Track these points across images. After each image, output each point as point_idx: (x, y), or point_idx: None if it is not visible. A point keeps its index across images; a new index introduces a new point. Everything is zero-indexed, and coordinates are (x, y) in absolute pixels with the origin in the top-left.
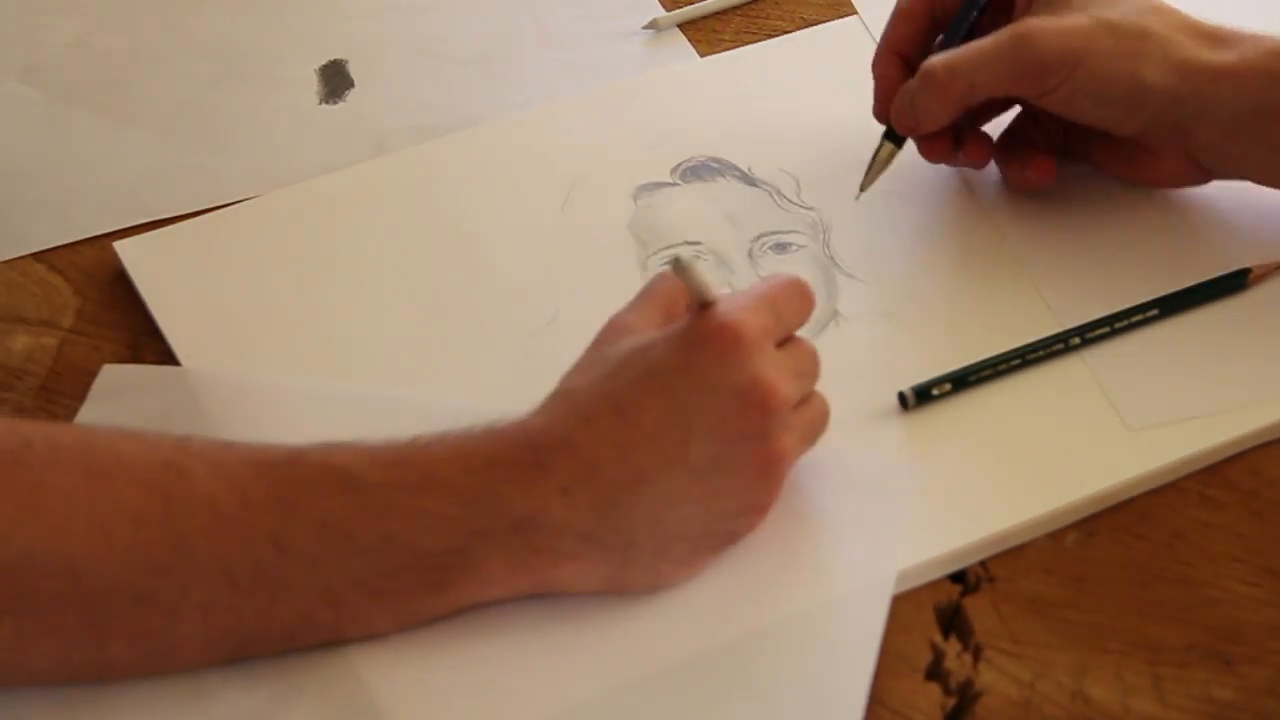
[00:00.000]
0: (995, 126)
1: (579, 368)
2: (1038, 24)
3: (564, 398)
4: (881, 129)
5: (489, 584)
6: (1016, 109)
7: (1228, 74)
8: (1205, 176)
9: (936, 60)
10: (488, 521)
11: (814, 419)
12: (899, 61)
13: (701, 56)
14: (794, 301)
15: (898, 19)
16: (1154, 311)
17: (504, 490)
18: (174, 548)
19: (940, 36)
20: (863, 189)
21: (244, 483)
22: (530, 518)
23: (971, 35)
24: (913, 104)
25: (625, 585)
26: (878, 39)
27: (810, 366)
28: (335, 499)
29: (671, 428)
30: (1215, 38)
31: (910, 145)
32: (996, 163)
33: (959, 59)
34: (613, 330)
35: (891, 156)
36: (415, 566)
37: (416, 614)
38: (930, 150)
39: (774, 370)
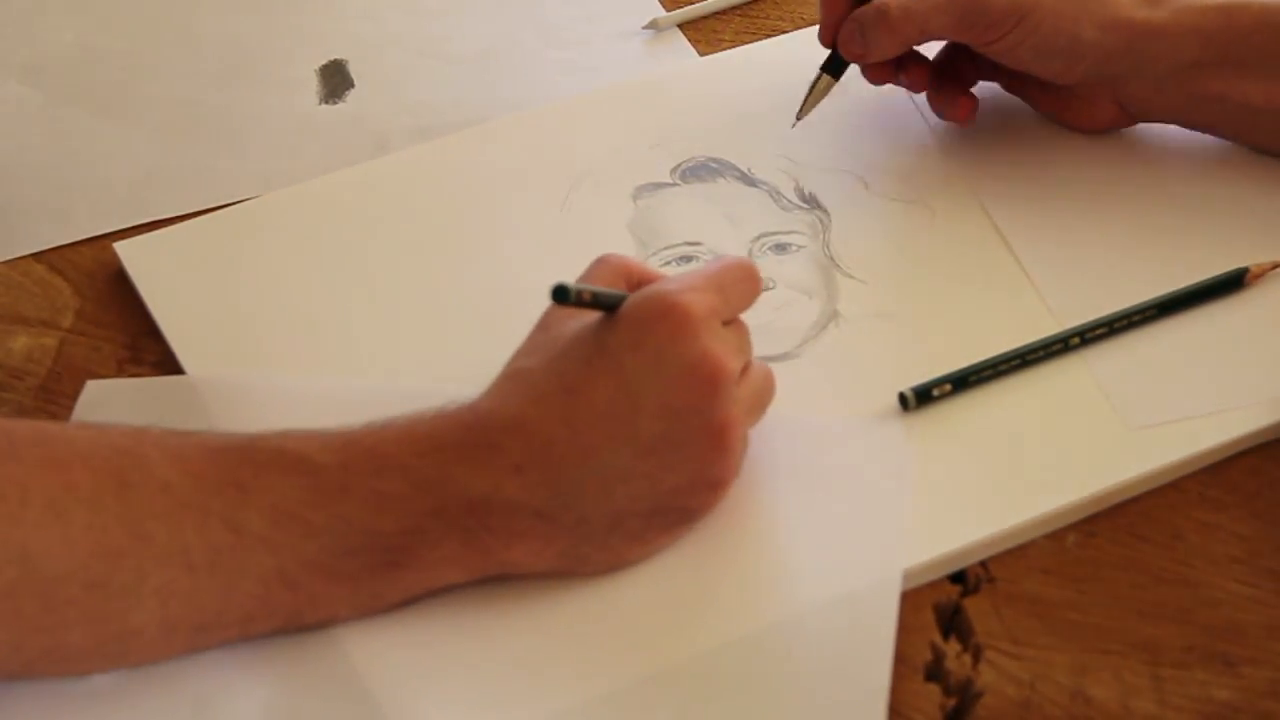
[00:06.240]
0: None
1: (525, 350)
2: None
3: (513, 379)
4: (814, 69)
5: (444, 565)
6: None
7: (1161, 31)
8: (1131, 121)
9: (892, 0)
10: (441, 502)
11: (759, 388)
12: None
13: (701, 56)
14: (741, 284)
15: None
16: (1153, 311)
17: (455, 471)
18: (131, 532)
19: None
20: (799, 117)
21: (198, 467)
22: (484, 497)
23: None
24: (864, 36)
25: (581, 565)
26: None
27: (748, 344)
28: (288, 481)
29: (621, 404)
30: None
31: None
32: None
33: (913, 2)
34: (556, 313)
35: (829, 87)
36: (370, 547)
37: (374, 596)
38: (874, 74)
39: (720, 345)
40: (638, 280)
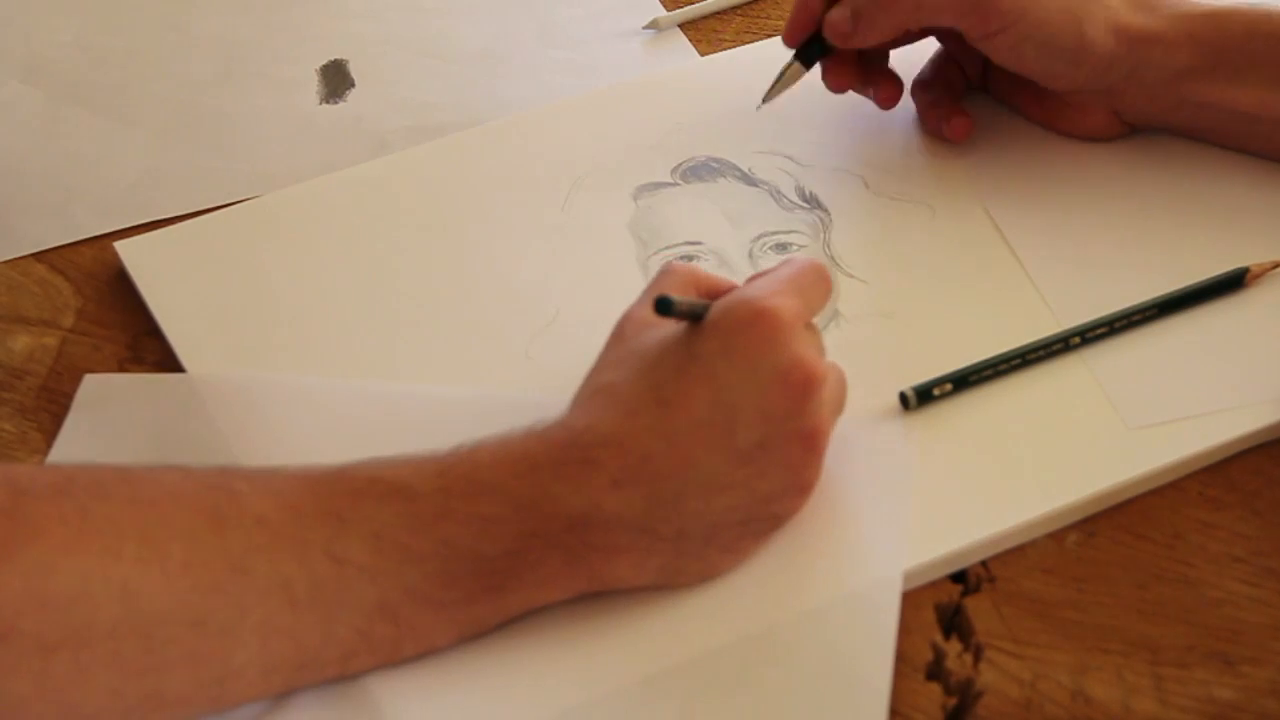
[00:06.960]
0: (913, 67)
1: (609, 364)
2: None
3: (602, 394)
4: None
5: (546, 585)
6: (935, 46)
7: (1158, 38)
8: (1126, 130)
9: None
10: (542, 522)
11: (838, 390)
12: None
13: (701, 56)
14: (817, 286)
15: None
16: (1153, 311)
17: (555, 490)
18: (230, 566)
19: None
20: (765, 101)
21: (292, 498)
22: (584, 515)
23: None
24: (855, 18)
25: (678, 577)
26: None
27: (823, 345)
28: (387, 508)
29: (717, 413)
30: (1144, 3)
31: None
32: (915, 104)
33: None
34: (632, 324)
35: (797, 76)
36: (473, 572)
37: (475, 622)
38: (835, 80)
39: (809, 350)
40: (707, 289)
